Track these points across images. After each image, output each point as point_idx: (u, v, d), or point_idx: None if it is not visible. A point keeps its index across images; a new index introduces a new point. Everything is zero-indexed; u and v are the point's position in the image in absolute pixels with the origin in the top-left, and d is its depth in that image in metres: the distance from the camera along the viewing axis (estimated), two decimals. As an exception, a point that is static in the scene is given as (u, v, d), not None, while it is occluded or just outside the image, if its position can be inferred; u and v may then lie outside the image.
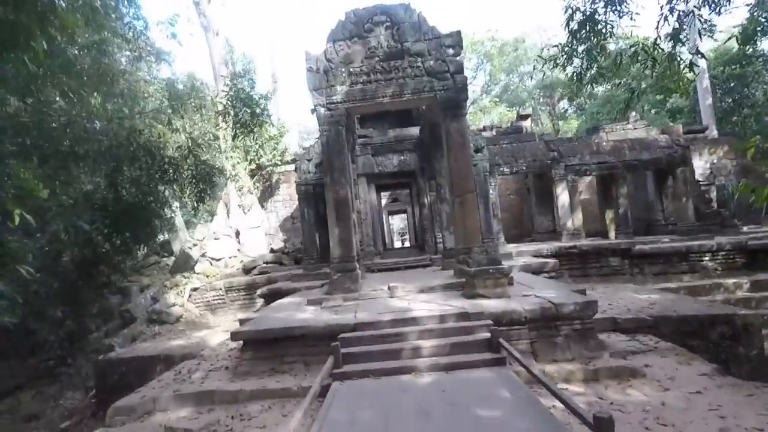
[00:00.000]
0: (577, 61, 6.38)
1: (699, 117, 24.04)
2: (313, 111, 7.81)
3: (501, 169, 14.41)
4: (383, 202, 20.64)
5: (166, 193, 8.44)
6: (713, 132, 21.97)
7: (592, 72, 6.48)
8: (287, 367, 5.34)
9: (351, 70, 7.60)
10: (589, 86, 6.76)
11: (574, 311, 5.25)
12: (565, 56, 6.24)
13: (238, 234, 16.00)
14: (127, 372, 8.58)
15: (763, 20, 23.21)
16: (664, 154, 14.59)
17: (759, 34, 23.71)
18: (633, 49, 5.90)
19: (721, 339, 7.37)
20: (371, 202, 11.85)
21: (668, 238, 13.77)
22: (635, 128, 16.75)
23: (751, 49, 25.33)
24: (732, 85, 27.04)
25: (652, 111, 31.90)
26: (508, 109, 36.86)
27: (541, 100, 38.87)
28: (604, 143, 15.11)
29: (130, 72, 10.03)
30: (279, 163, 17.85)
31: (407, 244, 27.63)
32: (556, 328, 5.32)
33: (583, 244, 13.21)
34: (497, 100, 38.47)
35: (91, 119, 6.49)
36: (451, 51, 7.59)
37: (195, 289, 13.53)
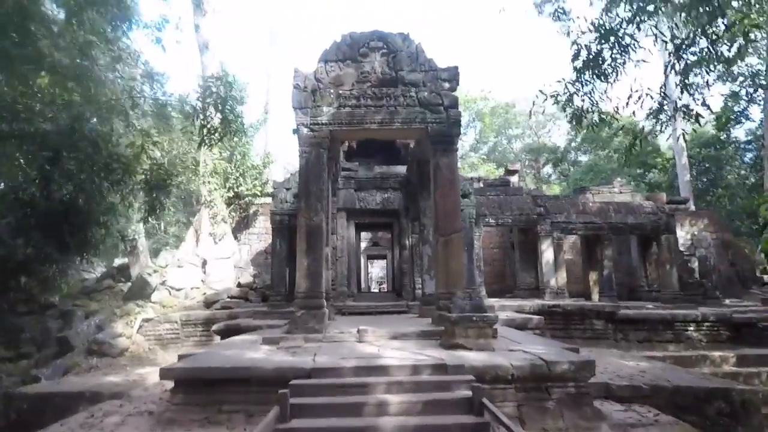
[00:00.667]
0: (578, 102, 6.09)
1: (677, 192, 24.73)
2: (296, 131, 7.28)
3: (486, 219, 13.99)
4: (363, 245, 19.92)
5: (111, 197, 7.45)
6: (692, 206, 22.41)
7: (592, 116, 6.17)
8: (224, 418, 4.39)
9: (340, 92, 7.19)
10: (589, 129, 6.44)
11: (569, 371, 4.53)
12: (567, 94, 5.95)
13: (204, 264, 14.94)
14: (44, 410, 7.29)
15: (737, 110, 24.75)
16: (649, 220, 14.45)
17: (732, 122, 25.25)
18: (638, 94, 5.63)
19: (718, 416, 6.75)
20: (349, 239, 11.16)
21: (652, 305, 13.34)
22: (621, 192, 16.78)
23: (725, 135, 26.82)
24: (707, 166, 28.25)
25: (632, 183, 32.99)
26: (495, 167, 37.49)
27: (527, 163, 39.75)
28: (591, 204, 14.97)
29: (111, 80, 9.47)
30: (259, 194, 17.14)
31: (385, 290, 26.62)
32: (548, 390, 4.57)
33: (567, 303, 12.64)
34: (485, 157, 39.17)
35: (28, 95, 5.75)
36: (446, 85, 7.29)
37: (147, 320, 12.27)
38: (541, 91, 5.99)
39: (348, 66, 7.30)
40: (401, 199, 10.89)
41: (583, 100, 6.04)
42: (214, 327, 9.85)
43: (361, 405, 3.95)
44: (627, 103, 5.61)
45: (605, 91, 5.96)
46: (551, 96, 6.07)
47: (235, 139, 16.50)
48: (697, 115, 5.56)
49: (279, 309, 9.80)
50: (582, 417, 4.40)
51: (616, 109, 5.96)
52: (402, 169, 11.04)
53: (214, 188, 15.90)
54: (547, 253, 14.00)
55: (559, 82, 6.02)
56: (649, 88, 5.59)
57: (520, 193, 15.42)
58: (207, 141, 7.38)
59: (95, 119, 6.73)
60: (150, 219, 8.03)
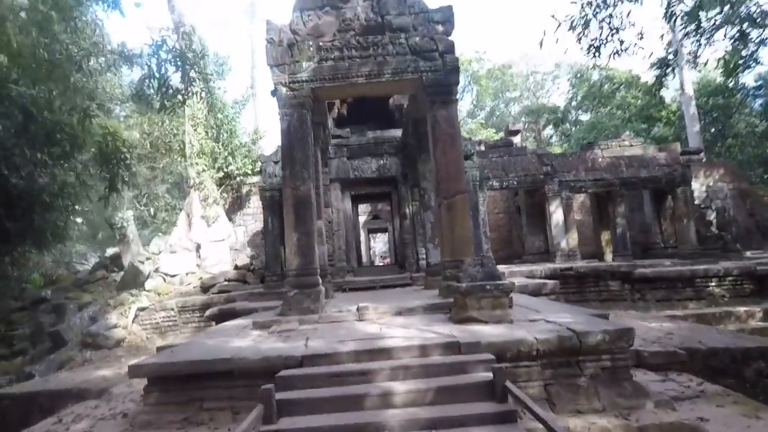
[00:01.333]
0: (595, 31, 5.23)
1: (685, 144, 23.81)
2: (274, 92, 6.48)
3: (490, 183, 13.24)
4: (362, 219, 19.27)
5: (63, 175, 6.56)
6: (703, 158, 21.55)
7: (612, 44, 5.32)
8: (206, 417, 3.80)
9: (321, 44, 6.34)
10: (611, 58, 5.58)
11: (603, 342, 3.89)
12: (583, 18, 5.08)
13: (198, 248, 14.33)
14: (31, 410, 6.82)
15: (745, 54, 23.53)
16: (664, 173, 13.66)
17: (741, 68, 24.02)
18: (671, 9, 4.77)
19: (758, 377, 6.21)
20: (345, 212, 10.45)
21: (670, 262, 12.72)
22: (632, 145, 15.91)
23: (733, 82, 25.68)
24: (715, 115, 27.23)
25: (638, 139, 31.96)
26: (495, 132, 36.40)
27: (527, 125, 38.64)
28: (600, 159, 14.15)
29: (79, 59, 8.47)
30: (250, 172, 16.37)
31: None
32: (579, 365, 3.94)
33: (580, 266, 12.04)
34: (483, 122, 38.03)
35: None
36: (440, 27, 6.42)
37: (142, 309, 11.76)
38: (552, 16, 5.14)
39: (327, 14, 6.43)
40: (398, 165, 10.12)
41: (601, 27, 5.18)
42: (208, 312, 9.31)
43: (362, 396, 3.33)
44: (667, 15, 4.69)
45: (628, 14, 5.09)
46: (564, 21, 5.21)
47: (219, 116, 15.71)
48: (743, 33, 4.73)
49: (275, 290, 9.21)
50: (621, 394, 3.78)
51: (640, 35, 5.12)
52: (397, 132, 10.22)
53: (202, 169, 15.12)
54: (557, 214, 13.31)
55: (573, 3, 5.14)
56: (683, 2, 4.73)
57: (525, 153, 14.60)
58: (167, 105, 6.49)
59: (23, 83, 5.81)
60: (109, 199, 7.24)
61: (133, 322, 11.58)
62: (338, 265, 9.70)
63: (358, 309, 5.59)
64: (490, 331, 4.26)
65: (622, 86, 33.54)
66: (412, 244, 9.77)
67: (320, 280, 6.14)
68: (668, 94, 32.37)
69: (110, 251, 15.01)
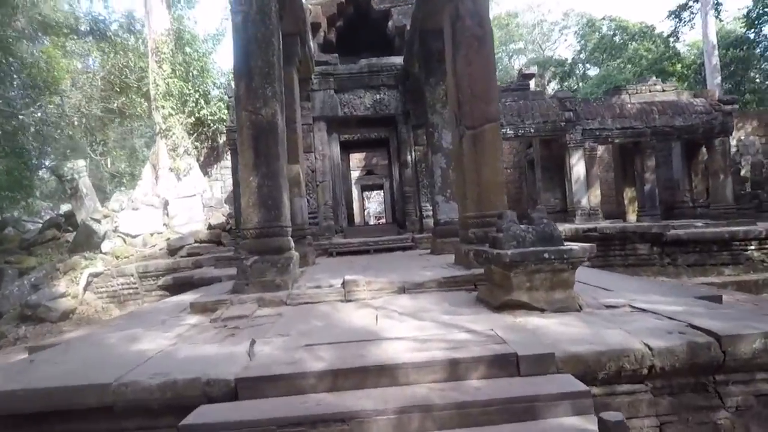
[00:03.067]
0: None
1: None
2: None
3: (504, 130, 11.38)
4: (355, 174, 17.39)
5: None
6: (729, 109, 19.77)
7: None
8: (64, 486, 2.14)
9: None
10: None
11: (764, 353, 2.23)
12: None
13: (166, 204, 12.49)
14: None
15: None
16: (701, 121, 11.84)
17: (764, 18, 21.98)
18: None
19: None
20: (333, 158, 8.59)
21: (702, 223, 11.17)
22: (664, 90, 13.96)
23: (754, 33, 23.94)
24: (732, 69, 25.60)
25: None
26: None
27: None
28: (629, 105, 12.25)
29: None
30: (226, 119, 14.27)
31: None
32: (717, 390, 2.30)
33: (605, 226, 10.46)
34: (484, 74, 35.65)
35: None
36: None
37: (96, 275, 10.05)
38: None
39: None
40: (398, 100, 8.16)
41: None
42: (161, 281, 7.65)
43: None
44: None
45: None
46: None
47: (188, 49, 13.44)
48: None
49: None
50: (794, 441, 2.16)
51: None
52: (397, 60, 8.18)
53: (169, 113, 13.02)
54: (578, 167, 11.57)
55: None
56: None
57: (543, 98, 12.64)
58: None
59: None
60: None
61: (85, 290, 9.90)
62: (323, 224, 7.94)
63: (343, 284, 3.88)
64: (557, 329, 2.58)
65: (636, 37, 31.59)
66: (415, 198, 8.03)
67: (292, 243, 4.40)
68: (683, 48, 30.56)
69: (65, 208, 13.14)
